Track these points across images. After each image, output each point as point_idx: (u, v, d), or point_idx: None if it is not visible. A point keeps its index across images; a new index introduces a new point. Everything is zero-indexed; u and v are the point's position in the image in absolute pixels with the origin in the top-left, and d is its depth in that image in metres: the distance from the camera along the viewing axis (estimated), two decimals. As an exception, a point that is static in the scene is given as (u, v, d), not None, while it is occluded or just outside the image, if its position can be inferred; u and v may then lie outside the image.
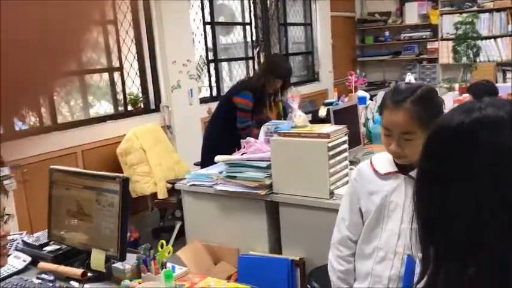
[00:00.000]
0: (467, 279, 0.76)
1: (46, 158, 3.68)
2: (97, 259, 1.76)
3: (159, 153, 4.16)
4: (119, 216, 1.70)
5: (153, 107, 4.73)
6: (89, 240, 1.81)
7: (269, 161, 2.64)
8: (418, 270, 1.34)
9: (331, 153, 2.47)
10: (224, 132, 3.48)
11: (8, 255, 1.95)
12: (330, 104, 3.75)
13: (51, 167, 1.98)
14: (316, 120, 3.15)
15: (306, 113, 3.07)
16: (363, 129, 3.60)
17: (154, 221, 4.38)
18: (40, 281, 1.77)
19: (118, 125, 4.27)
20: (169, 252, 1.64)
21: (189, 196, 3.02)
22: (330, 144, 2.47)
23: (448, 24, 7.15)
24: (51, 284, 1.73)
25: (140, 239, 4.03)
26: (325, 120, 3.08)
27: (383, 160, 1.66)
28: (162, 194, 3.97)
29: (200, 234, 2.99)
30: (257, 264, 2.63)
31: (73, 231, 1.87)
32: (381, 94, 4.03)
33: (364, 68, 8.14)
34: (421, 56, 7.76)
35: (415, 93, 1.51)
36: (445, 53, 7.25)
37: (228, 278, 2.71)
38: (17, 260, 1.95)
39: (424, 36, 7.66)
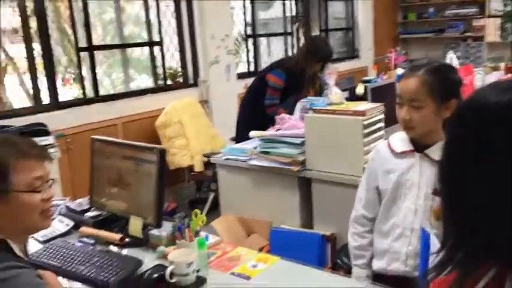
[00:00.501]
0: (483, 261, 0.77)
1: (88, 128, 3.82)
2: (135, 225, 1.85)
3: (196, 127, 4.24)
4: (155, 186, 1.78)
5: (191, 81, 4.80)
6: (127, 207, 1.90)
7: (303, 137, 2.66)
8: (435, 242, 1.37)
9: (366, 131, 2.47)
10: (258, 108, 3.51)
11: (53, 219, 2.07)
12: (368, 81, 3.71)
13: (93, 136, 2.06)
14: (353, 97, 3.13)
15: (343, 90, 3.05)
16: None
17: (191, 193, 4.50)
18: (82, 244, 1.87)
19: (157, 99, 4.36)
20: (202, 221, 1.70)
21: (223, 170, 3.09)
22: (366, 122, 2.46)
23: (496, 0, 6.86)
24: (91, 247, 1.83)
25: (177, 208, 4.16)
26: (362, 98, 3.06)
27: (400, 139, 1.69)
28: (198, 167, 4.07)
29: (234, 206, 3.06)
30: (288, 238, 2.68)
31: (113, 198, 1.96)
32: (420, 72, 3.95)
33: (406, 46, 7.94)
34: (466, 34, 7.50)
35: (431, 65, 1.55)
36: (491, 30, 6.99)
37: (260, 250, 2.78)
38: (60, 224, 2.06)
39: (470, 13, 7.38)
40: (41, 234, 1.98)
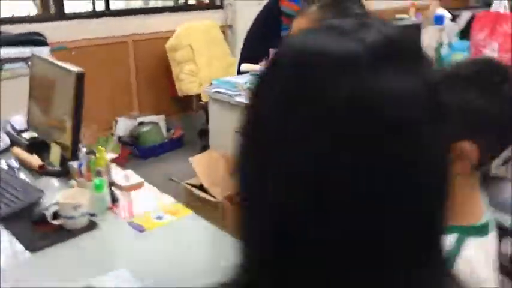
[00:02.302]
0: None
1: (96, 43, 3.67)
2: (54, 154, 1.69)
3: (210, 53, 3.97)
4: (71, 113, 1.58)
5: (218, 3, 4.46)
6: (49, 133, 1.74)
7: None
8: None
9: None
10: (265, 42, 3.15)
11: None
12: (401, 20, 3.25)
13: (33, 53, 1.88)
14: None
15: None
16: (431, 55, 3.09)
17: (202, 122, 4.32)
18: (7, 167, 1.75)
19: (176, 18, 4.09)
20: (105, 162, 1.50)
21: (214, 103, 2.86)
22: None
23: None
24: (12, 173, 1.70)
25: (184, 137, 4.04)
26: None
27: None
28: (205, 96, 3.84)
29: (222, 144, 2.85)
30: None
31: (41, 122, 1.80)
32: (464, 15, 3.40)
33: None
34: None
35: None
36: None
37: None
38: (-2, 143, 1.95)
39: None
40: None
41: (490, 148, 0.87)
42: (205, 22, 4.09)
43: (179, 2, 4.34)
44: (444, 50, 3.20)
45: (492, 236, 0.89)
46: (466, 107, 0.81)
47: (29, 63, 1.87)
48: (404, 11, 5.71)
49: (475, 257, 0.83)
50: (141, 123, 3.90)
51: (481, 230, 0.86)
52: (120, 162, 3.64)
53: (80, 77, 1.55)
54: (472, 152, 0.83)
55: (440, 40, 3.23)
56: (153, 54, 3.98)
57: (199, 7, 4.32)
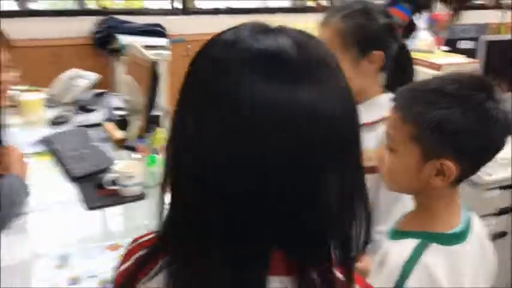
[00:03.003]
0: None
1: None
2: (132, 131, 1.91)
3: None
4: (147, 94, 1.78)
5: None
6: (133, 112, 1.96)
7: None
8: None
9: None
10: None
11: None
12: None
13: (129, 41, 2.13)
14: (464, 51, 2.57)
15: (465, 39, 2.55)
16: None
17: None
18: (94, 137, 2.02)
19: (290, 20, 4.20)
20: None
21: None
22: (437, 79, 2.02)
23: None
24: (98, 143, 1.95)
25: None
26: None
27: None
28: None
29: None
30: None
31: (129, 101, 2.04)
32: None
33: None
34: None
35: (351, 7, 1.19)
36: None
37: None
38: (96, 114, 2.24)
39: None
40: (75, 122, 2.19)
41: (470, 166, 0.85)
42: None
43: (297, 3, 4.44)
44: None
45: (465, 246, 0.87)
46: (449, 126, 0.81)
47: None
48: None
49: (435, 263, 0.82)
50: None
51: (449, 238, 0.85)
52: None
53: (154, 66, 1.74)
54: (451, 170, 0.82)
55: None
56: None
57: (316, 9, 4.37)
